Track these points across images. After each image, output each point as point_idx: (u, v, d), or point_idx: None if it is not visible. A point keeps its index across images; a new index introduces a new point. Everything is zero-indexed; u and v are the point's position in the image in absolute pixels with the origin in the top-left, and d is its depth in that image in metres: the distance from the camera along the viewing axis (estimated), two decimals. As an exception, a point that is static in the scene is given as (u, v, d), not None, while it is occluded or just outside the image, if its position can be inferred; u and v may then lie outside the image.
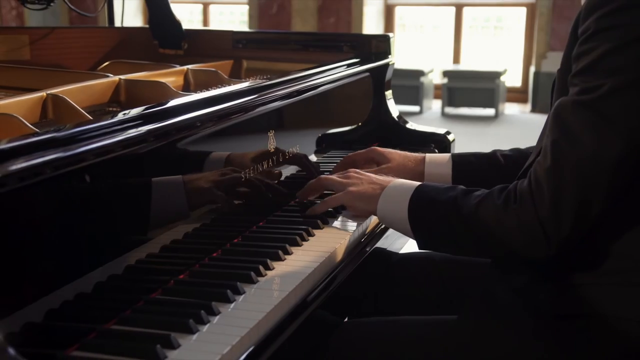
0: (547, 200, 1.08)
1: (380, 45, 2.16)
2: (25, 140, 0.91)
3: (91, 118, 1.34)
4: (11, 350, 0.75)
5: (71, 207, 1.00)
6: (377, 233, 1.49)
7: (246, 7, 8.68)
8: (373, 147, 1.64)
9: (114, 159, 1.04)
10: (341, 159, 1.85)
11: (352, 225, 1.43)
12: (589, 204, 1.07)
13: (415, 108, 7.67)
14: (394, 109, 2.16)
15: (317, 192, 1.50)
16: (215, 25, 9.36)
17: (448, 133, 2.12)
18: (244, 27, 8.98)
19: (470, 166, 1.55)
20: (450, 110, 7.72)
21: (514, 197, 1.13)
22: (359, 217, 1.44)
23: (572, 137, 1.07)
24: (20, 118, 1.18)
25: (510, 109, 7.94)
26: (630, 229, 1.10)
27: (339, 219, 1.47)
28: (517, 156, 1.52)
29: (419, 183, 1.30)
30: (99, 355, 0.89)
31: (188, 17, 9.17)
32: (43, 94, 1.40)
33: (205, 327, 0.98)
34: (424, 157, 1.59)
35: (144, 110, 1.19)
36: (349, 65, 1.97)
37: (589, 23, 1.07)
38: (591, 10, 1.07)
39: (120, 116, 1.11)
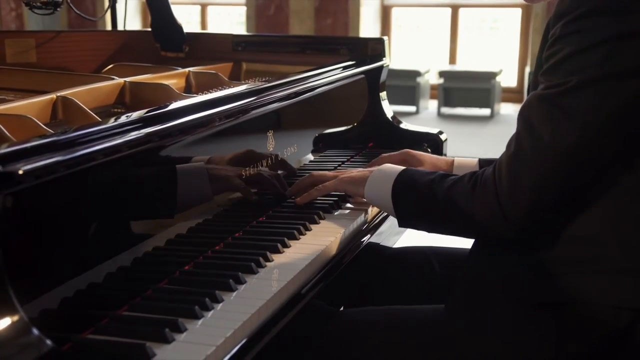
0: (506, 184, 1.18)
1: (375, 48, 2.23)
2: (40, 141, 0.97)
3: (99, 119, 1.42)
4: (35, 331, 0.83)
5: (83, 205, 1.07)
6: (371, 228, 1.57)
7: (244, 9, 8.75)
8: (407, 150, 1.72)
9: (120, 159, 1.11)
10: (340, 157, 1.93)
11: (347, 220, 1.51)
12: (544, 190, 1.16)
13: (412, 108, 7.74)
14: (388, 110, 2.23)
15: (308, 188, 1.56)
16: (213, 26, 9.43)
17: (440, 133, 2.19)
18: (241, 28, 9.04)
19: None
20: (446, 110, 7.80)
21: (480, 181, 1.23)
22: (355, 208, 1.53)
23: (532, 128, 1.16)
24: (35, 119, 1.25)
25: (506, 109, 8.02)
26: (603, 217, 1.17)
27: (335, 214, 1.54)
28: None
29: (403, 167, 1.42)
30: (113, 338, 0.97)
31: (186, 18, 9.23)
32: (53, 95, 1.47)
33: (210, 313, 1.05)
34: (453, 161, 1.68)
35: (146, 113, 1.25)
36: (344, 68, 2.03)
37: (556, 28, 1.16)
38: (559, 16, 1.16)
39: (124, 118, 1.17)
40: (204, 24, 9.29)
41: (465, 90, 7.62)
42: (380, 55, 2.21)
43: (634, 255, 1.16)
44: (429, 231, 1.40)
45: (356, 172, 1.52)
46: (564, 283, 1.19)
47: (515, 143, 1.19)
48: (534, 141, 1.16)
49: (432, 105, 8.01)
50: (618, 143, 1.14)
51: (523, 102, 1.22)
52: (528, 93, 1.29)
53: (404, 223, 1.39)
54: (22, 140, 0.96)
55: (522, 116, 1.19)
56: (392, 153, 1.73)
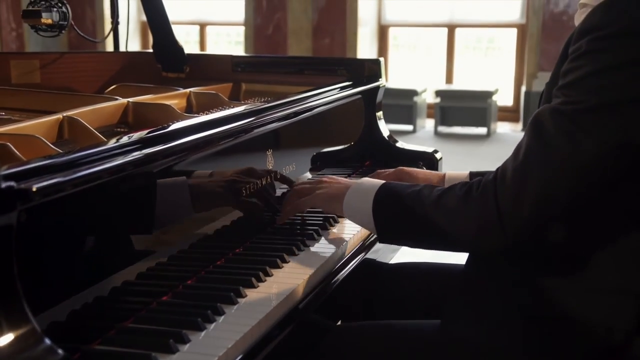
0: (510, 190, 1.15)
1: (372, 68, 2.28)
2: (51, 160, 1.02)
3: (104, 138, 1.46)
4: (47, 341, 0.87)
5: (90, 221, 1.12)
6: (367, 245, 1.61)
7: (242, 28, 8.83)
8: (400, 168, 1.72)
9: (124, 178, 1.15)
10: (335, 175, 1.96)
11: (345, 237, 1.55)
12: (549, 202, 1.14)
13: (409, 127, 7.80)
14: (385, 129, 2.28)
15: (293, 201, 1.55)
16: (211, 45, 9.50)
17: (436, 152, 2.24)
18: (240, 47, 9.10)
19: None
20: (443, 129, 7.86)
21: (476, 187, 1.21)
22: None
23: (546, 139, 1.14)
24: (43, 139, 1.30)
25: (502, 127, 8.08)
26: (602, 238, 1.18)
27: (334, 230, 1.59)
28: None
29: (384, 181, 1.37)
30: (120, 348, 1.01)
31: (185, 37, 9.31)
32: (60, 116, 1.52)
33: (212, 325, 1.10)
34: (445, 175, 1.68)
35: (148, 133, 1.30)
36: (342, 88, 2.08)
37: (581, 43, 1.13)
38: (585, 32, 1.14)
39: (127, 139, 1.21)
40: (202, 44, 9.36)
41: (462, 109, 7.68)
42: (377, 75, 2.27)
43: (629, 277, 1.17)
44: (412, 246, 1.37)
45: (334, 184, 1.46)
46: (556, 298, 1.21)
47: (524, 151, 1.16)
48: (546, 152, 1.13)
49: (429, 124, 8.07)
50: (629, 166, 1.13)
51: (535, 112, 1.19)
52: (539, 105, 1.27)
53: (385, 237, 1.34)
54: (33, 159, 1.00)
55: (535, 125, 1.16)
56: (388, 170, 1.75)
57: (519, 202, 1.15)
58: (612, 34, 1.10)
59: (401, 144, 2.28)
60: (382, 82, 2.26)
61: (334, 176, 1.54)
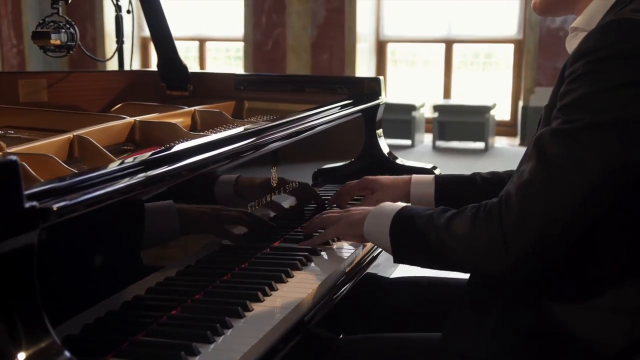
0: (514, 213, 1.17)
1: (372, 87, 2.33)
2: (68, 181, 1.06)
3: (112, 156, 1.51)
4: (67, 353, 0.91)
5: (103, 238, 1.16)
6: (368, 260, 1.66)
7: (241, 44, 8.90)
8: (365, 177, 1.80)
9: (136, 196, 1.20)
10: (336, 191, 2.01)
11: (346, 252, 1.60)
12: (554, 224, 1.15)
13: (407, 142, 7.86)
14: (384, 146, 2.33)
15: (318, 228, 1.63)
16: (211, 61, 9.57)
17: (434, 168, 2.29)
18: (239, 62, 9.17)
19: (451, 186, 1.72)
20: (441, 143, 7.92)
21: (483, 209, 1.24)
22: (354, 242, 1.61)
23: (549, 160, 1.15)
24: (56, 158, 1.35)
25: (500, 142, 8.14)
26: (593, 258, 1.21)
27: (335, 247, 1.63)
28: (494, 179, 1.69)
29: (403, 205, 1.42)
30: (133, 360, 1.05)
31: (185, 53, 9.38)
32: (70, 135, 1.57)
33: (221, 338, 1.14)
34: (410, 179, 1.74)
35: (159, 153, 1.34)
36: (342, 106, 2.13)
37: (577, 66, 1.17)
38: (581, 55, 1.18)
39: (134, 160, 1.26)
40: (202, 59, 9.43)
41: (460, 124, 7.74)
42: (377, 93, 2.31)
43: (620, 295, 1.20)
44: (425, 266, 1.40)
45: (359, 210, 1.51)
46: (555, 316, 1.24)
47: (528, 175, 1.17)
48: (550, 174, 1.15)
49: (427, 138, 8.13)
50: (630, 187, 1.15)
51: (535, 135, 1.22)
52: (538, 127, 1.30)
53: (400, 257, 1.38)
54: (53, 179, 1.05)
55: (537, 148, 1.18)
56: (353, 182, 1.82)
57: (524, 225, 1.16)
58: (607, 56, 1.14)
59: (401, 160, 2.32)
60: (381, 100, 2.31)
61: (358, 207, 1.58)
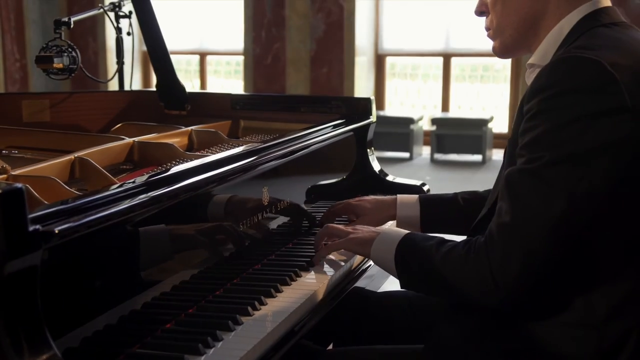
0: (498, 252, 1.26)
1: (363, 106, 2.41)
2: (68, 205, 1.14)
3: (112, 177, 1.59)
4: (66, 364, 0.99)
5: (102, 257, 1.24)
6: (357, 274, 1.73)
7: (241, 58, 8.99)
8: (347, 201, 1.88)
9: (133, 218, 1.28)
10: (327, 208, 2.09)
11: (334, 268, 1.68)
12: (534, 258, 1.24)
13: (406, 154, 7.94)
14: (376, 163, 2.40)
15: (326, 238, 1.71)
16: (211, 74, 9.66)
17: (424, 184, 2.36)
18: (239, 76, 9.26)
19: (435, 208, 1.80)
20: (439, 156, 7.99)
21: (473, 249, 1.32)
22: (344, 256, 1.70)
23: (519, 200, 1.25)
24: (58, 180, 1.43)
25: (498, 154, 8.19)
26: (567, 276, 1.29)
27: (323, 261, 1.71)
28: (474, 199, 1.77)
29: (406, 232, 1.50)
30: (129, 371, 1.13)
31: (185, 67, 9.48)
32: (72, 156, 1.65)
33: (211, 350, 1.22)
34: (396, 200, 1.81)
35: (155, 176, 1.42)
36: (335, 126, 2.21)
37: (532, 104, 1.27)
38: (535, 93, 1.27)
39: (133, 183, 1.34)
40: (202, 73, 9.52)
41: (458, 136, 7.81)
42: (368, 113, 2.39)
43: (590, 311, 1.28)
44: (427, 294, 1.50)
45: (366, 230, 1.59)
46: (531, 332, 1.32)
47: (504, 214, 1.26)
48: (522, 212, 1.24)
49: (425, 151, 8.20)
50: (596, 214, 1.24)
51: (505, 174, 1.30)
52: (504, 157, 1.41)
53: (406, 286, 1.46)
54: (54, 202, 1.13)
55: (508, 189, 1.27)
56: (337, 206, 1.90)
57: (508, 263, 1.25)
58: (557, 93, 1.23)
59: (391, 177, 2.40)
60: (372, 119, 2.39)
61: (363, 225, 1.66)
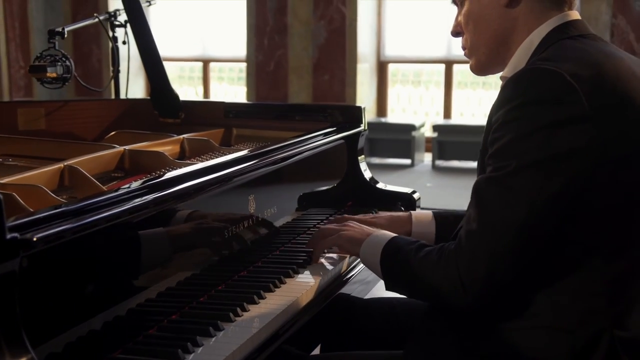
0: (466, 257, 1.32)
1: (354, 115, 2.43)
2: (49, 212, 1.17)
3: (101, 185, 1.62)
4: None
5: (85, 263, 1.27)
6: (343, 281, 1.76)
7: (244, 65, 9.03)
8: (363, 217, 1.84)
9: (117, 225, 1.30)
10: (319, 215, 2.12)
11: (318, 275, 1.70)
12: (499, 263, 1.29)
13: (407, 161, 7.96)
14: (366, 171, 2.43)
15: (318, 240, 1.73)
16: (214, 81, 9.71)
17: (414, 192, 2.38)
18: (242, 83, 9.30)
19: (450, 226, 1.77)
20: (441, 163, 8.00)
21: (444, 254, 1.37)
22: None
23: (485, 207, 1.30)
24: (45, 188, 1.46)
25: (499, 161, 8.21)
26: (537, 281, 1.32)
27: (309, 268, 1.73)
28: None
29: (393, 235, 1.54)
30: (108, 376, 1.16)
31: (189, 74, 9.52)
32: (61, 165, 1.68)
33: (191, 356, 1.24)
34: (410, 217, 1.81)
35: (143, 183, 1.45)
36: (326, 134, 2.23)
37: (499, 115, 1.31)
38: (501, 104, 1.32)
39: (124, 189, 1.37)
40: (206, 80, 9.57)
41: (459, 143, 7.82)
42: (359, 121, 2.42)
43: (561, 315, 1.31)
44: (409, 297, 1.54)
45: (357, 229, 1.63)
46: (504, 336, 1.35)
47: (472, 220, 1.31)
48: (487, 219, 1.29)
49: (427, 158, 8.22)
50: (561, 220, 1.28)
51: (475, 183, 1.35)
52: (478, 166, 1.45)
53: (389, 287, 1.50)
54: (34, 211, 1.16)
55: (475, 196, 1.33)
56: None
57: (475, 268, 1.31)
58: (522, 103, 1.28)
59: (381, 184, 2.42)
60: (363, 128, 2.41)
61: (355, 222, 1.71)
